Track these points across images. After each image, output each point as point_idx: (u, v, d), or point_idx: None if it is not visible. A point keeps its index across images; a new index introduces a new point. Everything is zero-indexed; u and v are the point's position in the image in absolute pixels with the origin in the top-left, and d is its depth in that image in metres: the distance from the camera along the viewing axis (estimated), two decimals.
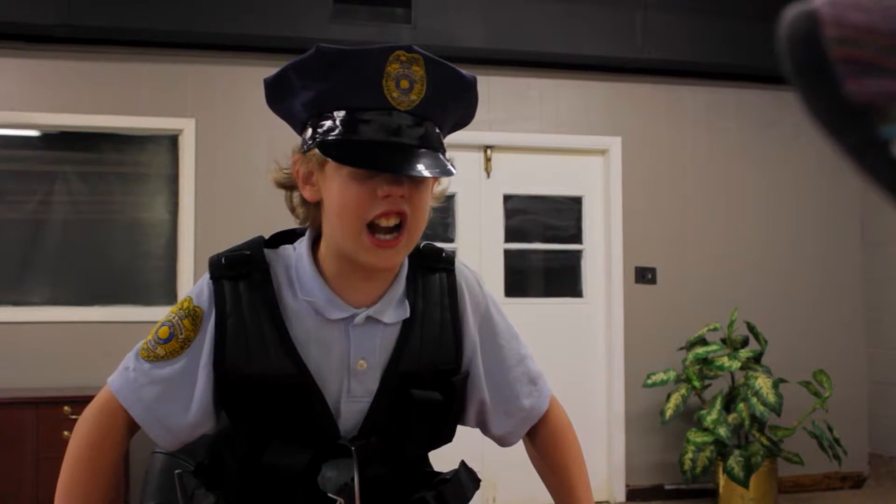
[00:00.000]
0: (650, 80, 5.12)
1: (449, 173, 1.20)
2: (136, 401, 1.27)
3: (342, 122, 1.19)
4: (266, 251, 1.31)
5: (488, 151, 4.97)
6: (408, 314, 1.31)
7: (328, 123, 1.20)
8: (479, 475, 1.43)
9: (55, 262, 4.49)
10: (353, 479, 1.26)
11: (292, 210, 1.33)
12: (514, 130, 4.97)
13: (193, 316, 1.27)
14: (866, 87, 0.42)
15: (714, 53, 5.00)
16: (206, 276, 1.30)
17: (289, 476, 1.28)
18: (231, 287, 1.27)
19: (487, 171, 4.97)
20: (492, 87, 4.93)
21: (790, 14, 0.45)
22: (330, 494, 1.26)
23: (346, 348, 1.28)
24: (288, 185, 1.31)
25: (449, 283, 1.36)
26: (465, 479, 1.38)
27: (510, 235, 5.03)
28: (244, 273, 1.28)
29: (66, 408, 3.78)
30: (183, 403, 1.27)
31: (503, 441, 1.44)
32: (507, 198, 5.03)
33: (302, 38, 4.49)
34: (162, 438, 1.29)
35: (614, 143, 5.07)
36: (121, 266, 4.57)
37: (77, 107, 4.47)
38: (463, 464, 1.41)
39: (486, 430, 1.43)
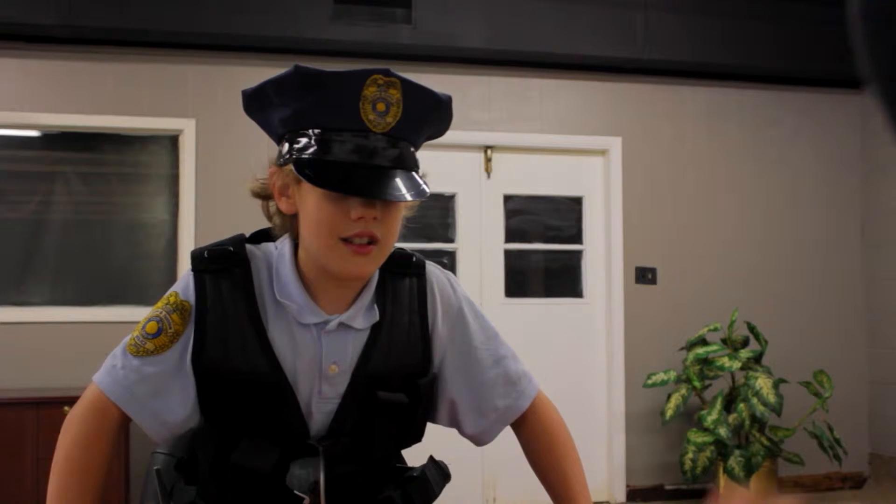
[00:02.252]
0: (650, 80, 5.12)
1: (422, 194, 1.23)
2: (130, 398, 1.27)
3: (317, 140, 1.22)
4: (248, 247, 1.33)
5: (488, 152, 4.97)
6: (377, 318, 1.33)
7: (304, 140, 1.23)
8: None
9: (55, 262, 4.49)
10: (320, 476, 1.29)
11: (269, 218, 1.36)
12: (514, 130, 4.97)
13: (182, 310, 1.29)
14: None
15: (714, 53, 5.00)
16: (189, 270, 1.32)
17: (257, 475, 1.30)
18: (212, 281, 1.30)
19: (488, 171, 4.97)
20: (492, 88, 4.94)
21: None
22: (297, 492, 1.29)
23: (319, 353, 1.30)
24: (264, 196, 1.34)
25: (419, 287, 1.38)
26: (434, 475, 1.40)
27: (510, 236, 5.03)
28: (226, 268, 1.30)
29: (66, 408, 3.77)
30: (175, 396, 1.28)
31: (477, 440, 1.45)
32: (507, 198, 5.02)
33: (302, 38, 4.49)
34: (156, 432, 1.31)
35: (614, 143, 5.07)
36: (121, 266, 4.57)
37: (77, 107, 4.47)
38: (431, 459, 1.43)
39: (459, 430, 1.44)
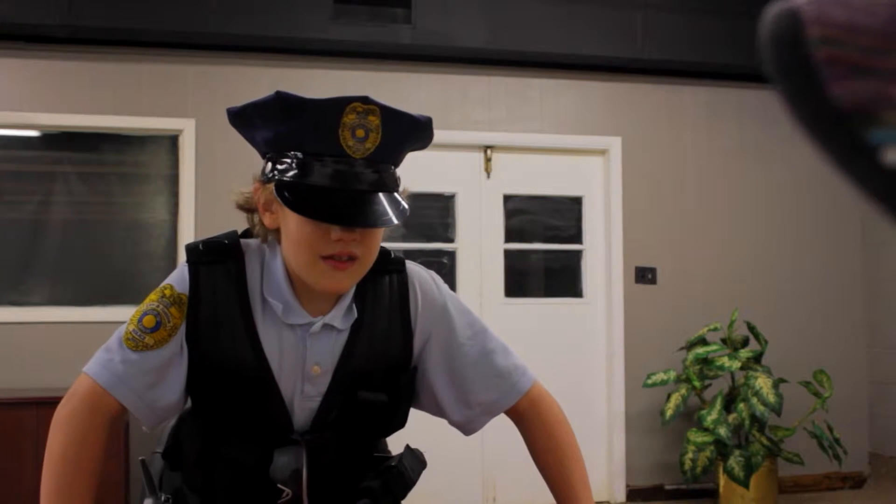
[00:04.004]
0: (650, 80, 5.12)
1: (402, 216, 1.25)
2: (128, 390, 1.29)
3: (298, 164, 1.24)
4: (242, 241, 1.37)
5: (488, 151, 4.97)
6: (356, 317, 1.36)
7: (286, 162, 1.25)
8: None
9: (55, 262, 4.49)
10: (302, 466, 1.32)
11: (252, 228, 1.38)
12: (514, 130, 4.97)
13: (179, 303, 1.31)
14: (852, 90, 0.40)
15: (714, 53, 5.00)
16: (184, 262, 1.35)
17: (243, 468, 1.34)
18: (207, 272, 1.32)
19: (487, 171, 4.97)
20: (492, 87, 4.93)
21: (771, 13, 0.42)
22: (279, 485, 1.32)
23: (302, 353, 1.33)
24: (247, 209, 1.36)
25: (400, 283, 1.41)
26: (411, 463, 1.44)
27: (510, 235, 5.02)
28: (220, 260, 1.33)
29: None
30: (171, 386, 1.31)
31: (463, 429, 1.48)
32: (507, 198, 5.02)
33: (302, 38, 4.49)
34: (148, 420, 1.33)
35: (614, 143, 5.07)
36: (121, 266, 4.57)
37: (77, 107, 4.47)
38: (408, 448, 1.46)
39: (447, 419, 1.47)
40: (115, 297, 4.49)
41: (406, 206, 1.28)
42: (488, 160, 4.97)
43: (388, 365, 1.38)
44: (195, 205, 4.54)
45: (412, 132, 1.29)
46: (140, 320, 1.31)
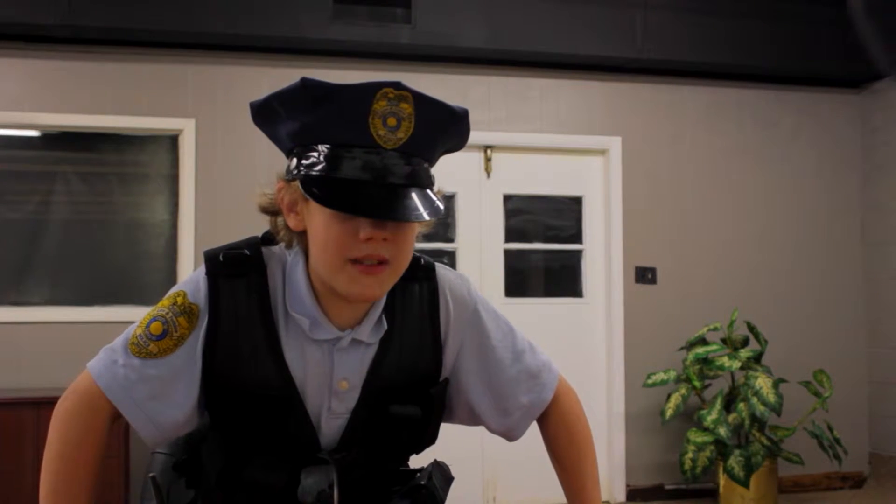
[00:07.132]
0: (650, 80, 5.12)
1: (436, 213, 1.17)
2: (127, 397, 1.23)
3: (326, 157, 1.16)
4: (264, 250, 1.29)
5: (488, 151, 4.97)
6: (385, 329, 1.29)
7: (313, 156, 1.17)
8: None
9: (55, 262, 4.49)
10: (331, 487, 1.26)
11: (276, 233, 1.30)
12: (514, 130, 4.97)
13: (190, 313, 1.24)
14: None
15: (714, 53, 5.00)
16: (202, 271, 1.27)
17: (269, 490, 1.27)
18: (228, 287, 1.25)
19: (487, 171, 4.97)
20: (492, 87, 4.94)
21: None
22: None
23: (329, 369, 1.27)
24: (271, 211, 1.28)
25: (430, 291, 1.34)
26: (439, 481, 1.38)
27: (510, 235, 5.03)
28: (241, 272, 1.25)
29: None
30: (175, 401, 1.24)
31: (507, 437, 1.43)
32: (507, 198, 5.03)
33: (302, 38, 4.49)
34: (148, 434, 1.26)
35: (614, 143, 5.07)
36: (121, 266, 4.57)
37: (77, 107, 4.47)
38: (435, 463, 1.41)
39: (487, 428, 1.42)
40: (115, 297, 4.49)
41: (441, 205, 1.19)
42: (488, 160, 4.97)
43: (418, 377, 1.31)
44: (195, 205, 4.54)
45: (447, 123, 1.21)
46: (148, 325, 1.24)
